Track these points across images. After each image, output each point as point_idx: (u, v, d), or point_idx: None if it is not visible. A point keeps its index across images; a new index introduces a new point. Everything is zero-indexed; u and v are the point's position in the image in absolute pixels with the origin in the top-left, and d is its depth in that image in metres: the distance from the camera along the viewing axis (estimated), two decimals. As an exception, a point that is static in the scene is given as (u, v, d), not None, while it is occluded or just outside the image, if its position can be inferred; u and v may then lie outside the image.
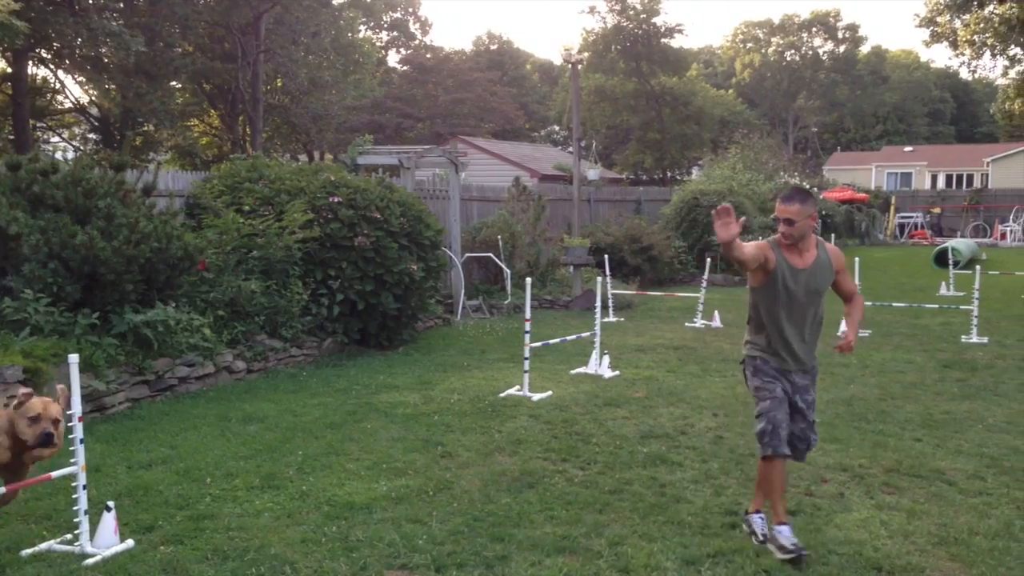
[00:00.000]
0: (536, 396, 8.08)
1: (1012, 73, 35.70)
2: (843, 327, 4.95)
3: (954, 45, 38.26)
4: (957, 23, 37.30)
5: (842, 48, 71.98)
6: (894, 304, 13.55)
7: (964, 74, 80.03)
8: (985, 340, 11.08)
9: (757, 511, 4.83)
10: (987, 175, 48.56)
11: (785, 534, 4.56)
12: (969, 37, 36.36)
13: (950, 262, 17.65)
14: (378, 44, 50.23)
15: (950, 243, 23.03)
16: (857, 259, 12.83)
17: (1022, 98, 56.92)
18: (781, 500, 4.70)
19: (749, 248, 4.52)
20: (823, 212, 28.02)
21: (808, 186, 28.69)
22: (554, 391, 8.35)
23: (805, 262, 4.69)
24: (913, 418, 7.40)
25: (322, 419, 7.25)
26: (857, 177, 47.32)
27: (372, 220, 10.31)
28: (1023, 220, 33.74)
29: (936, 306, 13.84)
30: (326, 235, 10.11)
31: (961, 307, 12.36)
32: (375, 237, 10.22)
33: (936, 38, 39.55)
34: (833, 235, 21.10)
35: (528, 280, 8.55)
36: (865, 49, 73.90)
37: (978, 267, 12.54)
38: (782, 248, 4.68)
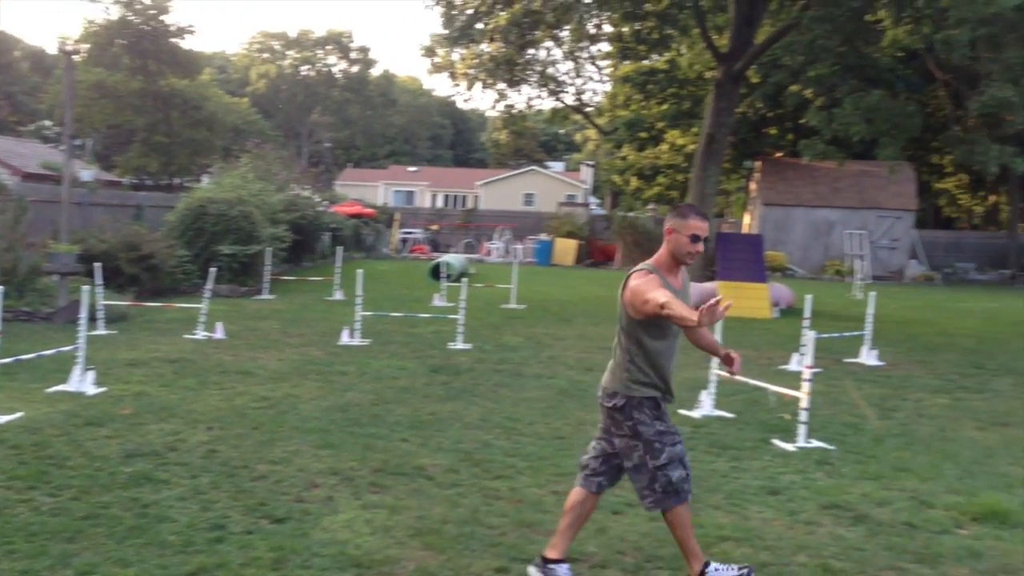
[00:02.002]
0: (2, 418, 7.16)
1: (499, 106, 39.92)
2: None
3: (452, 76, 41.71)
4: (455, 56, 40.74)
5: (355, 68, 74.97)
6: (392, 314, 14.33)
7: (461, 104, 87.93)
8: (469, 346, 12.15)
9: (562, 559, 4.46)
10: (478, 196, 53.82)
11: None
12: (464, 70, 39.83)
13: (443, 275, 19.18)
14: None
15: (443, 258, 25.06)
16: (361, 271, 13.36)
17: (508, 129, 63.77)
18: (692, 538, 4.41)
19: (670, 297, 4.03)
20: (332, 225, 28.85)
21: (319, 200, 29.33)
22: (26, 412, 7.47)
23: (679, 282, 4.41)
24: (402, 420, 7.84)
25: None
26: (366, 193, 49.63)
27: None
28: (506, 238, 37.88)
29: (429, 315, 14.91)
30: None
31: (450, 316, 13.44)
32: None
33: (437, 68, 42.78)
34: (341, 248, 21.79)
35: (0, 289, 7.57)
36: (376, 72, 77.79)
37: (465, 280, 13.75)
38: (662, 271, 4.32)
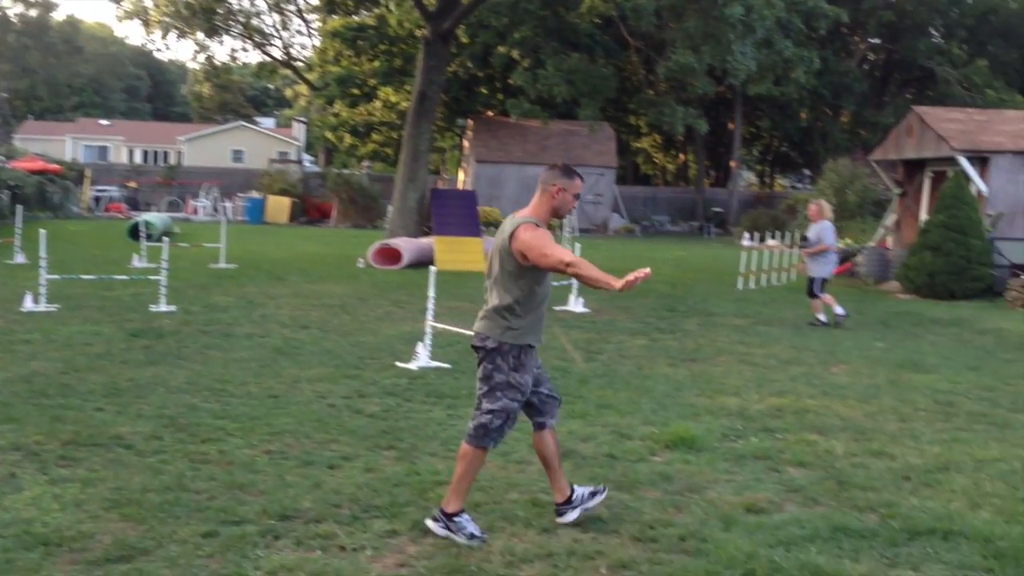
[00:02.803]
0: None
1: (200, 58, 37.73)
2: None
3: (145, 24, 38.77)
4: (148, 3, 37.83)
5: (34, 12, 67.83)
6: (83, 276, 13.17)
7: (157, 54, 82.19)
8: (173, 308, 11.44)
9: (461, 510, 4.53)
10: (182, 152, 50.79)
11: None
12: (158, 18, 37.16)
13: (143, 235, 17.92)
14: None
15: (144, 217, 23.44)
16: (44, 232, 12.10)
17: (210, 82, 60.48)
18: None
19: (574, 256, 4.38)
20: (11, 183, 26.06)
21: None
22: None
23: None
24: (97, 388, 7.23)
25: None
26: (50, 147, 45.22)
27: None
28: (214, 196, 36.10)
29: (127, 277, 13.87)
30: None
31: (151, 277, 12.57)
32: None
33: (128, 15, 39.58)
34: (21, 207, 19.70)
35: None
36: (59, 16, 70.83)
37: (167, 239, 12.89)
38: (543, 225, 4.60)
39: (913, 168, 20.44)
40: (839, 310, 12.51)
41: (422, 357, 8.73)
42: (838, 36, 40.75)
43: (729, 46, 20.66)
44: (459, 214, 19.65)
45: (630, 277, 4.08)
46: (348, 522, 4.63)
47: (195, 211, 35.46)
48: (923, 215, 19.27)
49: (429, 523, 4.54)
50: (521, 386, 4.57)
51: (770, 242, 22.38)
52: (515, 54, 34.50)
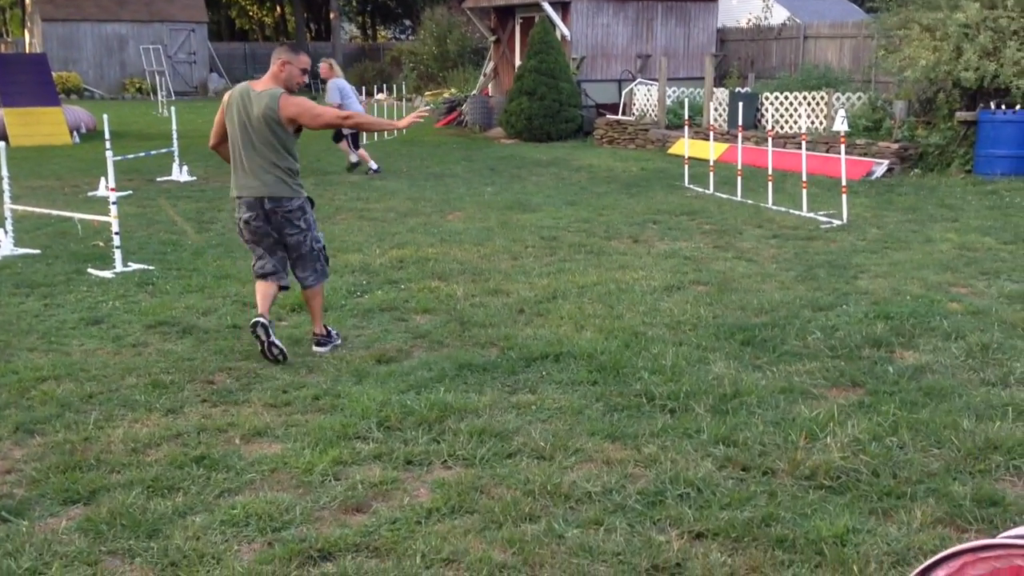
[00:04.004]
0: None
1: None
2: None
3: None
4: None
5: None
6: None
7: None
8: None
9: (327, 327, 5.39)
10: None
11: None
12: None
13: None
14: None
15: None
16: None
17: None
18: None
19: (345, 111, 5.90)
20: None
21: None
22: None
23: None
24: None
25: None
26: None
27: None
28: None
29: None
30: None
31: None
32: None
33: None
34: None
35: None
36: None
37: None
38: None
39: (505, 15, 21.26)
40: (373, 165, 12.87)
41: (5, 245, 7.73)
42: None
43: None
44: (31, 81, 17.35)
45: (411, 116, 5.23)
46: (-68, 441, 4.04)
47: None
48: (518, 61, 20.26)
49: (317, 349, 5.26)
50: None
51: (379, 96, 22.42)
52: None
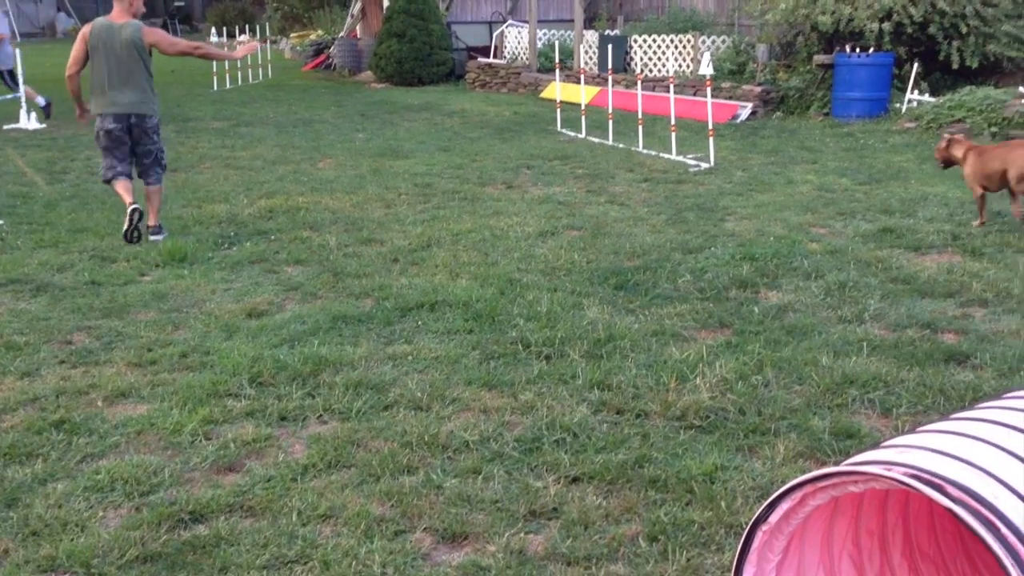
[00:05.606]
0: None
1: None
2: None
3: None
4: None
5: None
6: None
7: None
8: None
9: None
10: None
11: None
12: None
13: None
14: None
15: None
16: None
17: None
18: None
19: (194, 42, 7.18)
20: None
21: None
22: None
23: None
24: None
25: None
26: None
27: None
28: None
29: None
30: None
31: None
32: None
33: None
34: None
35: None
36: None
37: None
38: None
39: (373, -44, 20.69)
40: (41, 100, 12.10)
41: None
42: None
43: None
44: None
45: (245, 47, 7.00)
46: None
47: None
48: (386, 2, 19.80)
49: (153, 238, 6.30)
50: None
51: (241, 38, 21.56)
52: None
